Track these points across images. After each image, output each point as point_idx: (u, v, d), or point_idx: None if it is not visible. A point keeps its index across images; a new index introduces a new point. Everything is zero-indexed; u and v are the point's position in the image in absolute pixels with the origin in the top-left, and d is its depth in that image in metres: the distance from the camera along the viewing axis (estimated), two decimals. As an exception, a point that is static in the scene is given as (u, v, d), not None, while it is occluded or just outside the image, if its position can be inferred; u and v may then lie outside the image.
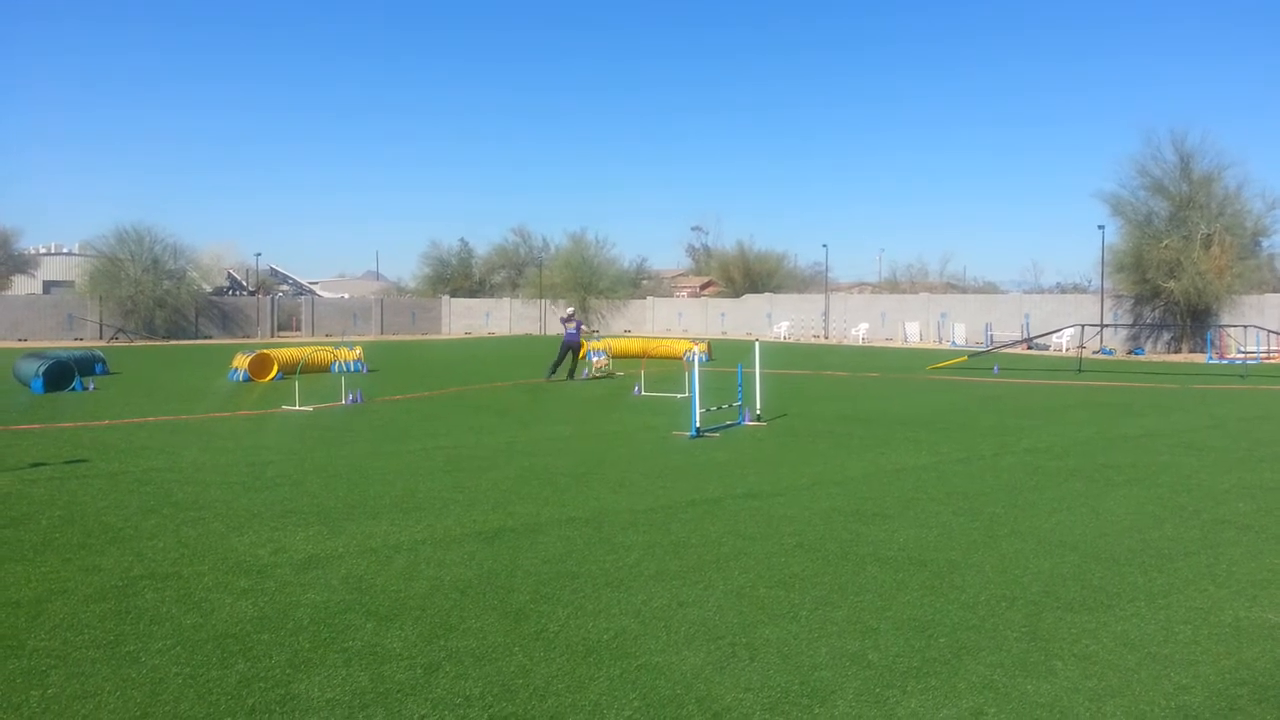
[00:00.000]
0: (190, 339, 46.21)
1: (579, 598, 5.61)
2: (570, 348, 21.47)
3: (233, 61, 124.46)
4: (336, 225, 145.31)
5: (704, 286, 70.37)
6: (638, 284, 63.81)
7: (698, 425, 12.49)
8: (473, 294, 63.16)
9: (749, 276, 60.89)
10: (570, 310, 23.72)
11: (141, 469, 9.96)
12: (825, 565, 6.33)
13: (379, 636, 4.96)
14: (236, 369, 21.22)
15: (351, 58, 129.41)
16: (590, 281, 57.11)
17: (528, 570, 6.18)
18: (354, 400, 16.53)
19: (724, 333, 51.19)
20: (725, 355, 29.25)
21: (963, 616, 5.30)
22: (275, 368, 21.44)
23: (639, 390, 18.20)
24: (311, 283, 78.45)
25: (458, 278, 65.64)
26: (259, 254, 61.16)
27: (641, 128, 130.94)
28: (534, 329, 57.17)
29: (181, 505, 8.15)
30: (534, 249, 66.40)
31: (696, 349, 18.99)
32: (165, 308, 46.16)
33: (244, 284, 62.31)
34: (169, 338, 45.68)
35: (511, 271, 66.79)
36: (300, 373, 19.53)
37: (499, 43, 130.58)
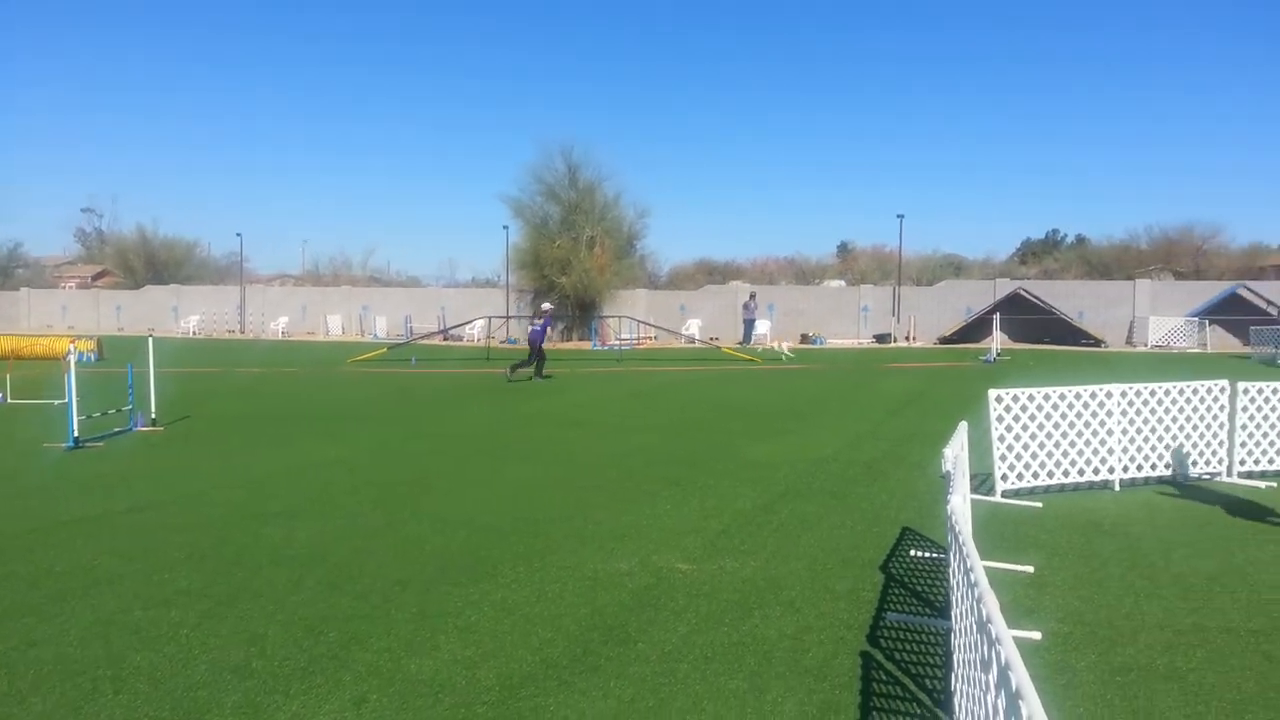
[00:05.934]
0: None
1: (-117, 660, 4.52)
2: (534, 345, 20.06)
3: None
4: None
5: (97, 276, 62.17)
6: (10, 273, 54.06)
7: (76, 434, 10.91)
8: None
9: (153, 266, 55.08)
10: (547, 306, 22.12)
11: None
12: (216, 575, 5.92)
13: None
14: None
15: None
16: (-62, 269, 46.83)
17: None
18: None
19: (121, 329, 45.54)
20: (120, 353, 26.04)
21: (356, 607, 5.33)
22: None
23: (4, 398, 15.39)
24: None
25: None
26: None
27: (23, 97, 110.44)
28: None
29: None
30: None
31: (74, 347, 16.62)
32: None
33: None
34: None
35: None
36: None
37: None
